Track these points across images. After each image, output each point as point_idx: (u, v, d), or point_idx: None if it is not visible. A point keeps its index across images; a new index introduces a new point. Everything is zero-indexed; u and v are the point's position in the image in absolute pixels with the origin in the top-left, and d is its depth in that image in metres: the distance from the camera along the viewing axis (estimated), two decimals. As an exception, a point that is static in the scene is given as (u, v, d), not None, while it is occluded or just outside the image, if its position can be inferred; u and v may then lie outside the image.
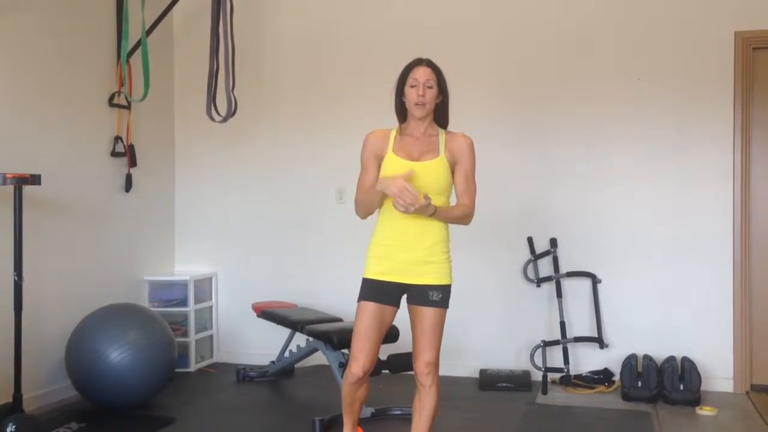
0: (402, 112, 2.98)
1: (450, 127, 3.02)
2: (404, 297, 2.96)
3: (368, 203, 2.92)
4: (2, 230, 3.83)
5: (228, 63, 4.33)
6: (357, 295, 2.95)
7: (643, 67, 4.65)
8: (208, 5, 4.34)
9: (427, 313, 2.87)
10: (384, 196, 2.84)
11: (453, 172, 2.94)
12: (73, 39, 4.54)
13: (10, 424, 3.27)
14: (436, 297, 2.87)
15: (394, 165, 2.88)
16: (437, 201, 2.84)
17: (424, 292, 2.88)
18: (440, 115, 2.98)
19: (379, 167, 2.93)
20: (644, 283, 4.68)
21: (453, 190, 3.00)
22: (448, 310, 2.94)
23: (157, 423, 3.90)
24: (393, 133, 2.96)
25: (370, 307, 2.88)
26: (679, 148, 4.62)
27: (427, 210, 2.74)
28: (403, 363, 3.94)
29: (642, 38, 4.67)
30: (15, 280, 3.75)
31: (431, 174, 2.88)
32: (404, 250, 2.88)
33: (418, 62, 2.93)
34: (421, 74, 2.88)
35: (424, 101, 2.87)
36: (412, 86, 2.88)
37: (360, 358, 2.87)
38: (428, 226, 2.88)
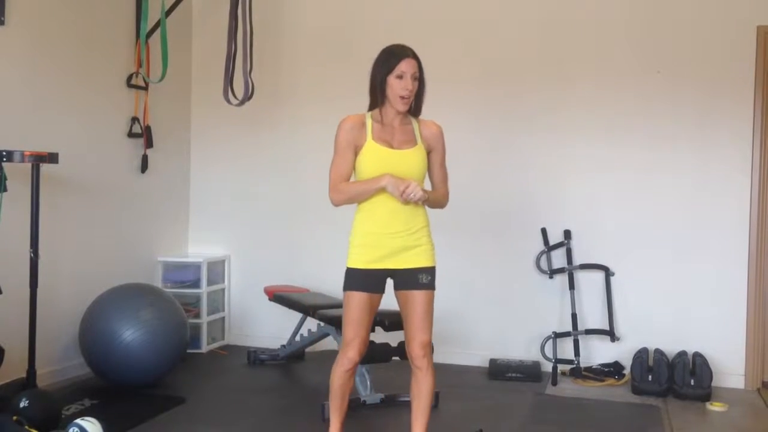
0: (378, 98, 2.90)
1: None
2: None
3: (364, 196, 2.89)
4: (19, 207, 3.86)
5: (246, 46, 4.33)
6: None
7: (664, 60, 4.60)
8: (227, -13, 4.34)
9: (419, 296, 2.91)
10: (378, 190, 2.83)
11: (428, 160, 2.96)
12: (92, 19, 4.55)
13: (24, 399, 3.30)
14: (425, 279, 2.92)
15: (374, 153, 2.86)
16: None
17: (414, 276, 2.91)
18: (415, 104, 2.94)
19: (355, 155, 2.90)
20: (658, 277, 4.65)
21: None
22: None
23: (168, 402, 3.94)
24: (369, 120, 2.91)
25: (360, 296, 2.91)
26: (697, 142, 4.57)
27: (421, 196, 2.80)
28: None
29: (662, 31, 4.61)
30: (31, 257, 3.78)
31: (411, 162, 2.89)
32: (394, 237, 2.89)
33: (405, 53, 2.87)
34: (410, 66, 2.84)
35: (411, 95, 2.86)
36: (399, 77, 2.83)
37: (356, 344, 2.91)
38: (415, 212, 2.91)
